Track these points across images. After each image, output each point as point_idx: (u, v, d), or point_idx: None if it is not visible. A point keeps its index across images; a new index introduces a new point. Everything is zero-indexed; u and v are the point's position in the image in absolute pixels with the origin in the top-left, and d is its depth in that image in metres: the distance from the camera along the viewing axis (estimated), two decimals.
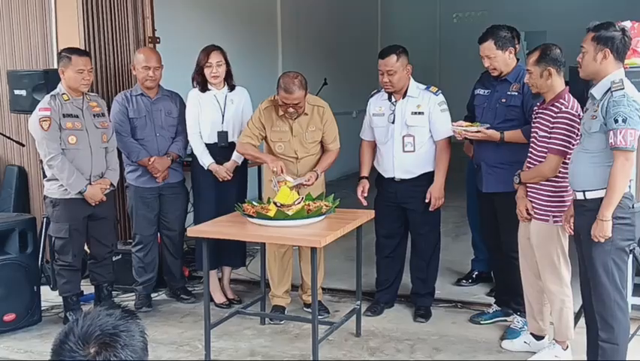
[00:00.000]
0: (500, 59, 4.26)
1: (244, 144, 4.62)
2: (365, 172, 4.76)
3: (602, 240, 3.28)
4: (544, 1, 12.01)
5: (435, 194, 4.56)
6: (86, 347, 1.51)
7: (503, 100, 4.27)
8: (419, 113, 4.51)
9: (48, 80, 4.92)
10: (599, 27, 3.34)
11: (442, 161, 4.56)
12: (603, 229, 3.26)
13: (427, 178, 4.59)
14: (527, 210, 3.90)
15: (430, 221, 4.70)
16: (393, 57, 4.46)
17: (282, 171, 4.37)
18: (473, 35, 4.68)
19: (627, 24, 3.82)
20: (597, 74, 3.36)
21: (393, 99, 4.59)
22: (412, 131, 4.53)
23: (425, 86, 4.59)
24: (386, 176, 4.67)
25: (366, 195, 4.68)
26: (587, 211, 3.37)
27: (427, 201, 4.56)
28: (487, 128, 4.23)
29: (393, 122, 4.57)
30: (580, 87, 3.90)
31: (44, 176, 4.70)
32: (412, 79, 4.57)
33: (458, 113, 4.68)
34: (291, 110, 4.50)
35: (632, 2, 7.25)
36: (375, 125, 4.68)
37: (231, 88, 4.93)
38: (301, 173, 4.59)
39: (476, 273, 5.35)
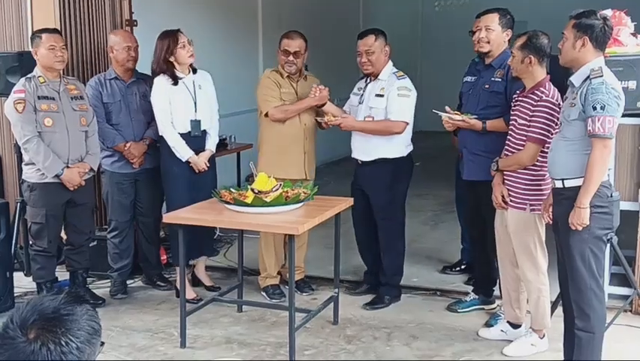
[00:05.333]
0: (498, 35, 4.26)
1: (278, 107, 4.69)
2: None
3: (580, 228, 3.27)
4: None
5: (340, 119, 4.57)
6: (24, 333, 1.47)
7: (487, 86, 4.26)
8: (380, 95, 4.56)
9: (22, 62, 4.83)
10: (580, 15, 3.33)
11: (377, 123, 4.55)
12: (581, 216, 3.25)
13: (386, 165, 4.58)
14: (503, 197, 3.89)
15: (388, 209, 4.66)
16: (372, 37, 4.56)
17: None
18: (455, 24, 4.68)
19: (608, 12, 3.81)
20: (576, 62, 3.35)
21: (368, 80, 4.66)
22: (372, 112, 4.58)
23: (395, 71, 4.62)
24: (352, 156, 4.76)
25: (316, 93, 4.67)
26: (565, 200, 3.36)
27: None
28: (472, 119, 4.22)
29: (361, 103, 4.66)
30: (560, 76, 3.89)
31: (20, 160, 4.62)
32: (390, 63, 4.63)
33: (439, 100, 4.67)
34: (291, 58, 4.69)
35: None
36: (350, 104, 4.81)
37: (194, 70, 4.76)
38: (306, 137, 4.78)
39: (465, 263, 5.28)
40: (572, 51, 3.33)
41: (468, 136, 4.32)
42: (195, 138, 4.72)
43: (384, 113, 4.54)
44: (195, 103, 4.71)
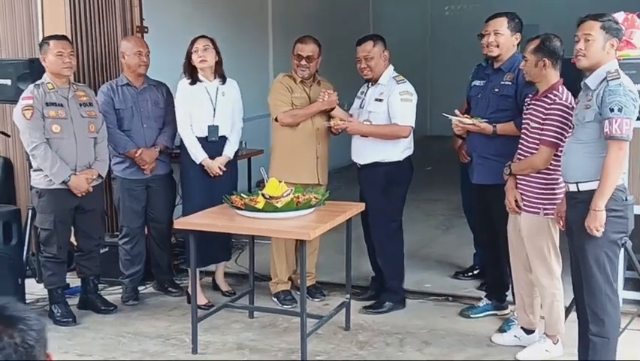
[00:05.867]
0: (507, 39, 4.24)
1: (287, 112, 4.71)
2: None
3: (597, 231, 3.23)
4: None
5: (346, 123, 4.57)
6: None
7: (496, 90, 4.24)
8: (379, 100, 4.57)
9: (33, 69, 4.84)
10: (602, 17, 3.29)
11: (383, 127, 4.54)
12: (597, 219, 3.21)
13: (380, 168, 4.58)
14: (517, 201, 3.86)
15: (381, 213, 4.63)
16: (370, 43, 4.60)
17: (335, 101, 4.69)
18: (465, 28, 4.66)
19: (621, 15, 3.79)
20: (599, 65, 3.31)
21: (369, 85, 4.70)
22: (371, 117, 4.59)
23: (395, 75, 4.63)
24: (352, 159, 4.77)
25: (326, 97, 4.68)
26: (579, 203, 3.33)
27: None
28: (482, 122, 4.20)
29: (362, 107, 4.70)
30: (572, 79, 3.86)
31: (30, 166, 4.63)
32: (390, 68, 4.65)
33: (449, 104, 4.63)
34: (303, 63, 4.71)
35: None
36: (353, 108, 4.83)
37: (223, 79, 4.82)
38: (319, 141, 4.78)
39: (478, 268, 5.25)
40: (600, 53, 3.29)
41: (478, 140, 4.30)
42: (213, 143, 4.75)
43: (383, 117, 4.55)
44: (214, 109, 4.73)
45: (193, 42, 4.72)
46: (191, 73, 4.73)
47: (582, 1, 6.18)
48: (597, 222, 3.22)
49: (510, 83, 4.20)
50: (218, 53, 4.77)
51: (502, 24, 4.25)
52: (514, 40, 4.27)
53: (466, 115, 4.34)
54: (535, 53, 3.73)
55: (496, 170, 4.07)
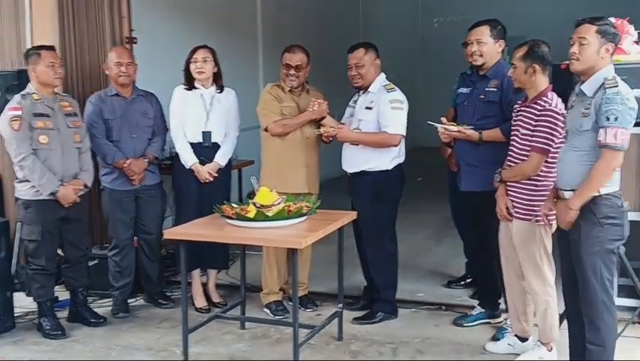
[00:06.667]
0: (490, 47, 4.26)
1: (277, 122, 4.68)
2: None
3: (567, 227, 3.27)
4: (523, 6, 12.11)
5: (336, 130, 4.54)
6: None
7: (482, 96, 4.25)
8: (369, 108, 4.56)
9: (21, 80, 4.83)
10: (598, 20, 3.26)
11: (373, 135, 4.51)
12: (569, 216, 3.25)
13: (368, 177, 4.56)
14: (507, 208, 3.85)
15: (372, 222, 4.60)
16: (362, 50, 4.60)
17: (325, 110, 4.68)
18: (454, 40, 4.65)
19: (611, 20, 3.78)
20: (593, 69, 3.26)
21: (361, 93, 4.68)
22: (361, 125, 4.58)
23: (385, 83, 4.61)
24: (343, 168, 4.75)
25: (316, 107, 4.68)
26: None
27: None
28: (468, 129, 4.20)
29: (352, 116, 4.69)
30: (562, 86, 3.85)
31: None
32: (382, 76, 4.64)
33: (440, 115, 4.62)
34: (292, 72, 4.70)
35: (613, 6, 7.26)
36: (345, 116, 4.81)
37: (220, 89, 4.87)
38: (308, 150, 4.76)
39: (470, 277, 5.23)
40: (595, 57, 3.24)
41: (464, 147, 4.30)
42: (206, 149, 4.80)
43: (373, 125, 4.53)
44: (207, 115, 4.78)
45: (193, 51, 4.78)
46: (189, 80, 4.80)
47: (570, 10, 6.21)
48: (568, 218, 3.26)
49: (495, 90, 4.21)
50: (217, 64, 4.82)
51: (484, 33, 4.27)
52: (497, 47, 4.29)
53: (452, 122, 4.34)
54: (524, 59, 3.72)
55: (483, 177, 4.07)
